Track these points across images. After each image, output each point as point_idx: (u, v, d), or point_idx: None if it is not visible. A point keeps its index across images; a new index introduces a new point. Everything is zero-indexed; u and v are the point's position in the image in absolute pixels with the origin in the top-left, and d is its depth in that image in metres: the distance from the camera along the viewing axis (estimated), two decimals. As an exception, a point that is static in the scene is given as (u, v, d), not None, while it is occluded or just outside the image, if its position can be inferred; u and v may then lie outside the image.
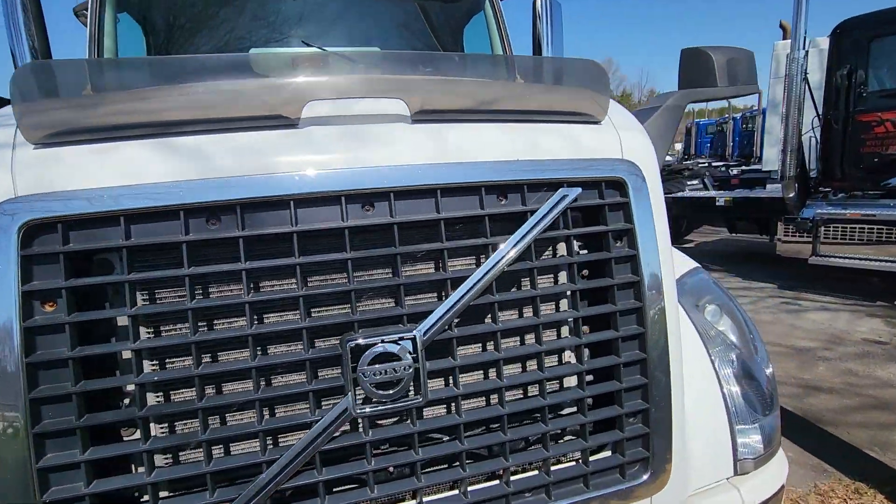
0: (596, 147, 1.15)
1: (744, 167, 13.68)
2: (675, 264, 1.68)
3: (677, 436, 1.22)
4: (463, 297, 1.02)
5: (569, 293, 1.18)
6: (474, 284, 1.02)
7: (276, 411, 1.03)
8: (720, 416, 1.35)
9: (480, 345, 1.15)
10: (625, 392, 1.15)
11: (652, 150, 1.23)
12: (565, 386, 1.22)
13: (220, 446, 1.01)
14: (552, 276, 1.20)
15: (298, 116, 1.00)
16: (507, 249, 1.05)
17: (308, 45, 2.60)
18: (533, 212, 1.07)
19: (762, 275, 7.13)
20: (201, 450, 0.95)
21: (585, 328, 1.23)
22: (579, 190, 1.11)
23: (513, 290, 1.15)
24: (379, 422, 1.09)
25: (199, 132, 0.96)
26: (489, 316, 1.11)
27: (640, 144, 1.20)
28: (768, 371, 1.51)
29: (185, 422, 0.97)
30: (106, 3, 2.54)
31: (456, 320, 1.10)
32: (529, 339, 1.17)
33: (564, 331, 1.20)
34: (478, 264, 1.08)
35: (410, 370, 0.98)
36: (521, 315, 1.17)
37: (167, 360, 0.97)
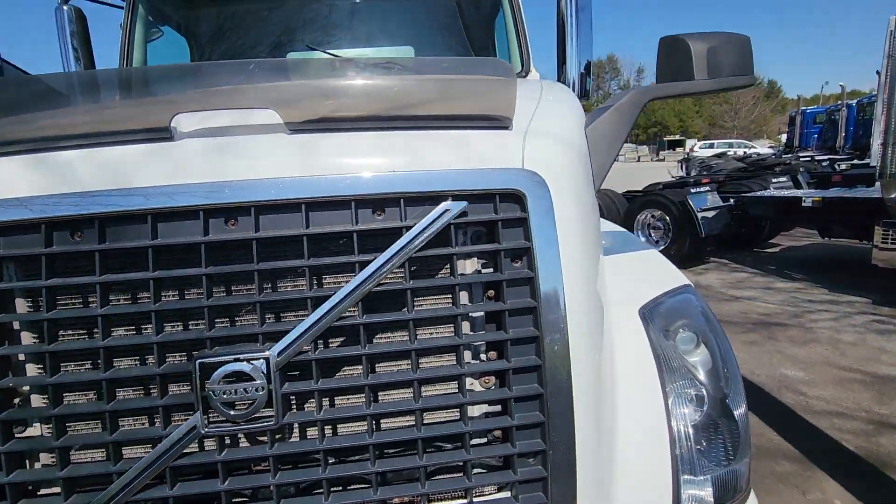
0: (490, 156, 1.03)
1: (855, 161, 12.04)
2: (660, 280, 1.48)
3: (589, 483, 1.08)
4: (322, 317, 0.96)
5: (470, 315, 1.09)
6: (336, 304, 0.97)
7: (154, 421, 1.04)
8: (662, 461, 1.17)
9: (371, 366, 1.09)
10: (517, 430, 1.04)
11: (568, 158, 1.09)
12: (466, 416, 1.11)
13: (102, 450, 1.04)
14: (450, 296, 1.10)
15: (168, 129, 0.99)
16: (375, 268, 0.97)
17: (313, 49, 2.65)
18: (409, 227, 0.99)
19: (854, 287, 6.22)
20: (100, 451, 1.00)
21: (493, 354, 1.13)
22: (465, 203, 1.00)
23: (403, 310, 1.07)
24: (260, 438, 1.07)
25: (73, 147, 0.99)
26: (377, 336, 1.06)
27: (548, 152, 1.06)
28: (738, 413, 1.29)
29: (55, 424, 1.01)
30: (137, 17, 2.75)
31: (339, 339, 1.06)
32: (427, 362, 1.09)
33: (469, 355, 1.11)
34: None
35: (263, 391, 0.95)
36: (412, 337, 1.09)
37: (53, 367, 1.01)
